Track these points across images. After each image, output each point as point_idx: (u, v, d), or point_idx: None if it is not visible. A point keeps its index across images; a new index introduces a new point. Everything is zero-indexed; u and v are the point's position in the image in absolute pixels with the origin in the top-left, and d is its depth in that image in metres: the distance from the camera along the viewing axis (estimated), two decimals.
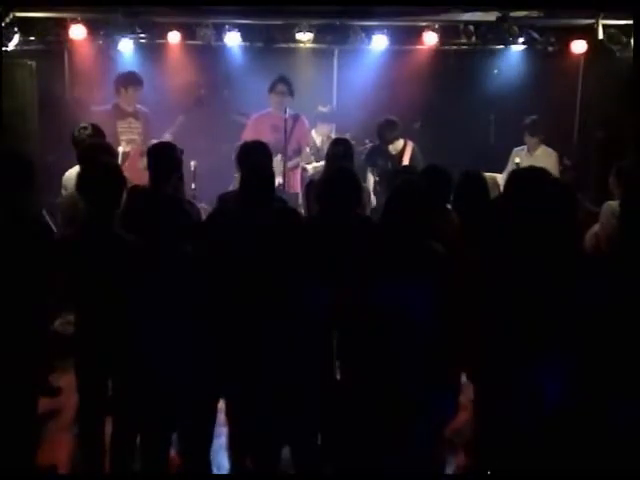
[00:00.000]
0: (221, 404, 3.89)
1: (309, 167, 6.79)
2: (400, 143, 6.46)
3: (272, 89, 6.66)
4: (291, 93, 6.66)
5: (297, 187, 6.66)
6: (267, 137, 6.30)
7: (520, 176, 3.56)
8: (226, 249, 3.61)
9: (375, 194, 6.17)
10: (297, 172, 6.77)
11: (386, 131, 6.37)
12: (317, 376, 3.33)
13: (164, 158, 4.35)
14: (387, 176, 5.97)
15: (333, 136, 7.02)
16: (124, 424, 3.60)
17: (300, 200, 6.41)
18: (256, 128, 6.61)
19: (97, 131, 4.99)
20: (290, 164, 6.54)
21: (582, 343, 2.96)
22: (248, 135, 6.50)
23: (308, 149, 6.81)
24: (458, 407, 3.91)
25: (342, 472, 3.41)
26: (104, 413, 3.79)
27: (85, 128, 4.96)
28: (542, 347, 2.99)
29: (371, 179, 6.46)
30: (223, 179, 6.15)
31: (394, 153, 6.45)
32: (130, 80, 6.54)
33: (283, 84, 6.65)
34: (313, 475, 3.51)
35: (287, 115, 6.35)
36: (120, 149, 5.87)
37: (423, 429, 3.24)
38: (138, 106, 6.65)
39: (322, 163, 6.46)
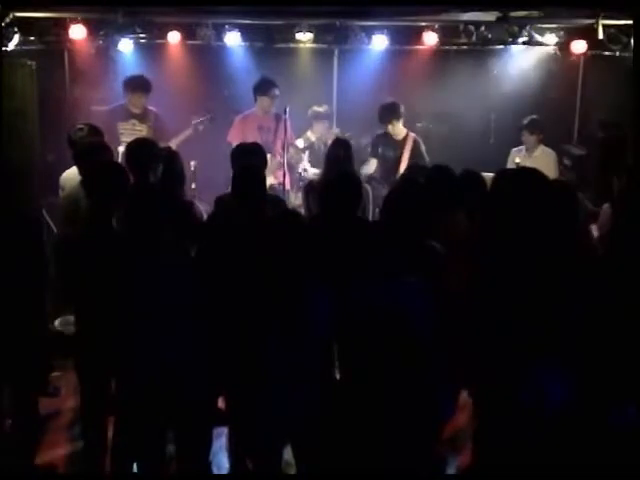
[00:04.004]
0: (221, 404, 3.90)
1: (309, 167, 6.79)
2: (402, 131, 6.61)
3: (265, 92, 6.66)
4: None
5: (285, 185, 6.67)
6: (254, 137, 6.34)
7: (509, 177, 3.56)
8: (226, 250, 3.61)
9: (373, 182, 6.21)
10: (282, 169, 6.76)
11: (384, 110, 6.56)
12: (317, 376, 3.33)
13: (133, 157, 4.37)
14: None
15: (333, 131, 7.05)
16: (125, 424, 3.60)
17: (287, 196, 6.45)
18: (242, 128, 6.68)
19: (94, 131, 4.98)
20: (276, 162, 6.60)
21: (583, 344, 2.96)
22: (234, 136, 6.58)
23: (299, 145, 6.83)
24: (457, 407, 3.91)
25: (342, 472, 3.41)
26: (105, 413, 3.79)
27: (81, 129, 4.96)
28: (542, 348, 2.99)
29: (373, 166, 6.50)
30: (223, 179, 6.14)
31: (398, 139, 6.59)
32: (137, 86, 6.53)
33: (276, 87, 6.68)
34: (313, 475, 3.51)
35: (287, 116, 6.37)
36: (121, 149, 5.86)
37: (422, 429, 3.24)
38: (149, 108, 6.65)
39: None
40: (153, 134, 6.42)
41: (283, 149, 6.46)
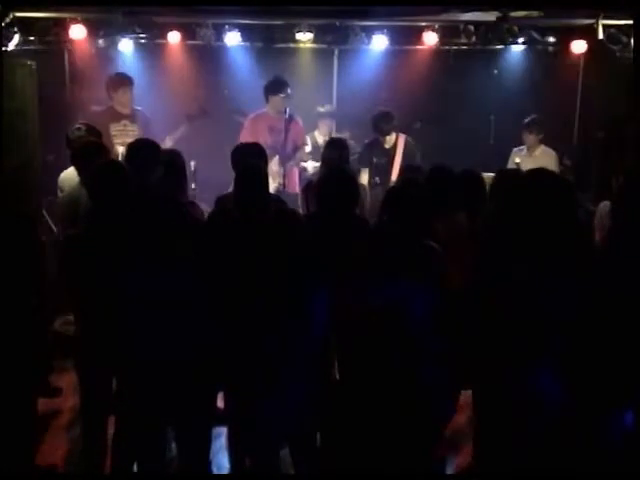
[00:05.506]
0: (221, 403, 3.90)
1: (309, 166, 6.79)
2: (393, 136, 6.53)
3: (278, 91, 6.51)
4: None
5: (296, 187, 6.65)
6: (264, 138, 6.29)
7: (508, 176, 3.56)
8: (226, 250, 3.61)
9: (370, 193, 6.17)
10: (295, 172, 6.76)
11: (382, 122, 6.43)
12: (316, 376, 3.34)
13: (134, 157, 4.36)
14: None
15: (334, 133, 7.04)
16: (126, 424, 3.60)
17: (299, 200, 6.42)
18: (253, 129, 6.56)
19: (92, 131, 4.98)
20: (288, 164, 6.53)
21: (583, 345, 2.96)
22: (245, 136, 6.45)
23: (307, 148, 6.81)
24: (457, 407, 3.91)
25: (342, 472, 3.41)
26: (105, 413, 3.79)
27: (79, 129, 4.95)
28: (542, 349, 2.99)
29: (366, 179, 6.46)
30: (223, 179, 6.14)
31: (388, 147, 6.50)
32: (119, 82, 6.46)
33: (288, 87, 6.56)
34: (313, 475, 3.51)
35: (287, 116, 6.35)
36: (121, 149, 5.85)
37: (422, 429, 3.24)
38: (136, 108, 6.60)
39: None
40: (143, 135, 6.28)
41: (294, 151, 6.46)
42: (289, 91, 6.53)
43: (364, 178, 6.45)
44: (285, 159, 6.39)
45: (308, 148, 6.83)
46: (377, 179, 6.26)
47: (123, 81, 6.48)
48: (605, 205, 4.56)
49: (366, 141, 6.81)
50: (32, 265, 3.82)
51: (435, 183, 4.16)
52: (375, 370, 3.19)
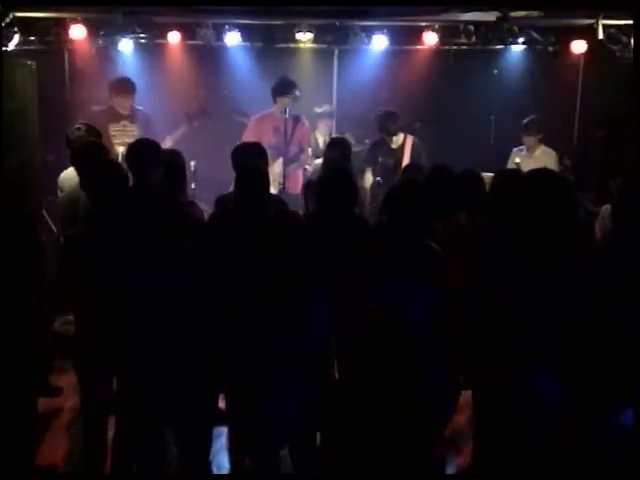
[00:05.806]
0: (221, 403, 3.91)
1: (308, 166, 6.79)
2: (400, 137, 6.54)
3: (286, 92, 6.44)
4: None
5: (299, 188, 6.64)
6: (269, 139, 6.27)
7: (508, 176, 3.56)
8: (226, 250, 3.61)
9: (372, 193, 6.17)
10: (299, 173, 6.75)
11: (388, 122, 6.44)
12: (316, 376, 3.34)
13: (134, 157, 4.35)
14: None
15: (334, 133, 7.04)
16: (126, 424, 3.60)
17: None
18: (257, 129, 6.51)
19: (91, 131, 4.97)
20: (293, 166, 6.51)
21: (583, 345, 2.96)
22: (249, 137, 6.38)
23: (310, 150, 6.80)
24: (457, 407, 3.91)
25: (342, 472, 3.41)
26: (105, 413, 3.80)
27: (78, 129, 4.95)
28: (543, 349, 2.99)
29: (370, 178, 6.44)
30: (223, 179, 6.14)
31: (395, 147, 6.49)
32: (120, 87, 6.46)
33: (296, 88, 6.49)
34: (313, 475, 3.51)
35: (287, 116, 6.32)
36: (121, 149, 5.85)
37: (422, 429, 3.24)
38: (138, 108, 6.60)
39: (321, 160, 6.46)
40: (143, 134, 6.24)
41: (298, 152, 6.44)
42: (297, 92, 6.48)
43: (368, 178, 6.44)
44: (288, 160, 6.37)
45: (310, 151, 6.82)
46: (379, 179, 6.24)
47: (125, 88, 6.47)
48: (607, 209, 4.56)
49: (367, 141, 6.81)
50: (32, 265, 3.83)
51: (435, 183, 4.16)
52: (375, 370, 3.19)
